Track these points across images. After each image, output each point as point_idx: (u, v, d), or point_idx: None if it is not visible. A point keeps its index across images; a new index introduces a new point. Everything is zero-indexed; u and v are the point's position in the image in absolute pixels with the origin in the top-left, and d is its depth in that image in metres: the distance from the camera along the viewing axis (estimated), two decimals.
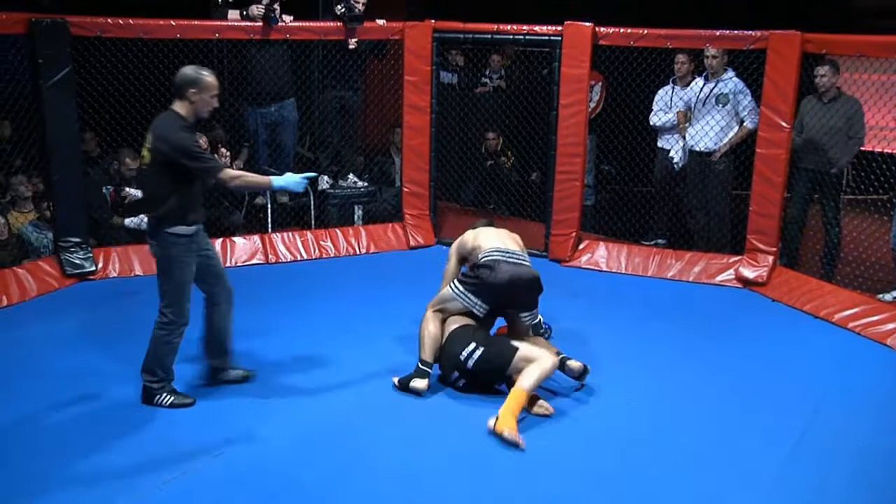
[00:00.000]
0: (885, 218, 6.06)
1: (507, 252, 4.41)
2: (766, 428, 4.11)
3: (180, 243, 4.02)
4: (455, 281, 4.47)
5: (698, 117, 6.50)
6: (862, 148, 6.13)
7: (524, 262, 4.42)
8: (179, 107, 3.97)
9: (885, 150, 5.85)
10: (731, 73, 6.40)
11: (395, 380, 4.39)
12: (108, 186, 6.40)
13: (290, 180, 4.11)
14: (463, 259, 4.69)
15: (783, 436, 4.03)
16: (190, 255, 4.07)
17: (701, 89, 6.50)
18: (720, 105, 6.38)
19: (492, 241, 4.52)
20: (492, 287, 4.31)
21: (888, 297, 5.79)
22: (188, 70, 3.99)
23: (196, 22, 6.39)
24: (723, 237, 6.57)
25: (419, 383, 4.30)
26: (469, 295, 4.38)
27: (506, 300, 4.42)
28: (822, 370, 4.83)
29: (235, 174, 4.15)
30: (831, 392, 4.53)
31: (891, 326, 5.28)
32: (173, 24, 6.18)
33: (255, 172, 6.84)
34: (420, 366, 4.35)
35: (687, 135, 6.60)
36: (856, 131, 6.00)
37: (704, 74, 6.53)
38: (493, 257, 4.36)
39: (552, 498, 3.50)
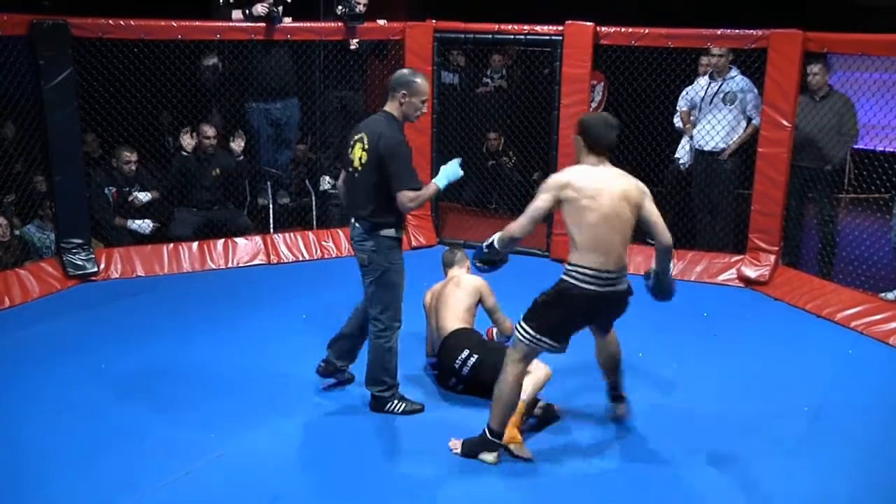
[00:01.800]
0: (887, 216, 6.04)
1: None
2: (769, 428, 4.10)
3: (396, 246, 3.96)
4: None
5: (704, 117, 6.46)
6: (863, 146, 6.12)
7: None
8: (390, 107, 3.94)
9: (887, 149, 5.83)
10: (735, 72, 6.38)
11: (457, 445, 3.79)
12: (111, 187, 6.40)
13: (449, 172, 3.97)
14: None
15: (787, 435, 4.03)
16: (402, 258, 4.01)
17: (706, 88, 6.46)
18: (727, 104, 6.35)
19: None
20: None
21: (890, 295, 5.78)
22: (404, 72, 3.98)
23: (198, 23, 6.40)
24: (726, 236, 6.55)
25: (488, 457, 3.72)
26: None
27: None
28: (825, 370, 4.82)
29: (414, 195, 3.83)
30: (834, 392, 4.53)
31: (893, 325, 5.28)
32: (175, 24, 6.19)
33: (255, 170, 6.96)
34: (488, 436, 3.70)
35: (694, 135, 6.56)
36: (847, 128, 5.99)
37: (709, 73, 6.50)
38: None
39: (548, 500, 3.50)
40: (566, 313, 3.59)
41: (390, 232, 3.93)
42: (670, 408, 4.30)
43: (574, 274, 3.53)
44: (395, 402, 4.13)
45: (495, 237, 3.69)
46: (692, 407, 4.31)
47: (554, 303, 3.58)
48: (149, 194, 6.51)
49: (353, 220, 4.02)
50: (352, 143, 3.98)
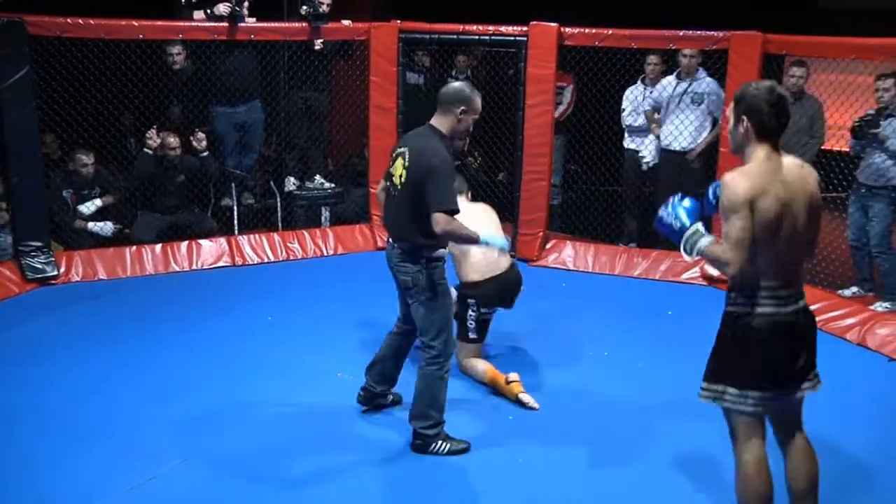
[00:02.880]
0: (844, 215, 6.17)
1: None
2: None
3: (441, 267, 3.68)
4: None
5: (671, 116, 6.54)
6: (824, 147, 6.24)
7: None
8: (440, 122, 3.67)
9: (844, 149, 5.96)
10: (703, 73, 6.47)
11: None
12: (69, 189, 6.29)
13: (495, 239, 3.74)
14: None
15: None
16: (446, 277, 3.73)
17: (674, 88, 6.53)
18: (695, 104, 6.44)
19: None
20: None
21: (847, 292, 5.91)
22: (463, 87, 3.73)
23: (159, 22, 6.32)
24: None
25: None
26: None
27: None
28: None
29: (449, 221, 3.49)
30: None
31: (850, 321, 5.38)
32: (135, 24, 6.10)
33: (221, 173, 6.89)
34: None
35: (661, 134, 6.63)
36: (817, 130, 6.12)
37: (676, 73, 6.57)
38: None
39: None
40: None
41: (435, 254, 3.66)
42: (634, 405, 4.33)
43: None
44: (440, 442, 3.76)
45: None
46: (656, 403, 4.34)
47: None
48: (97, 202, 6.38)
49: (390, 239, 3.77)
50: (393, 156, 3.72)
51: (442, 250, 3.70)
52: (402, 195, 3.63)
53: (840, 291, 5.90)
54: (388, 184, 3.75)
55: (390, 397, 4.17)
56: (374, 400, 4.13)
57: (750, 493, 2.85)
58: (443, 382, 3.73)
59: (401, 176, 3.63)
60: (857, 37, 5.54)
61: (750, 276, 2.80)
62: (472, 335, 4.47)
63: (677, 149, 6.53)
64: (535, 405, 4.20)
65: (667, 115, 6.57)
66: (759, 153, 2.84)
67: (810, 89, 6.28)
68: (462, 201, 3.98)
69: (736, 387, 2.85)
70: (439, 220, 3.46)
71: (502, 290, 4.49)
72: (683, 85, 6.49)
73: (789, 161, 2.88)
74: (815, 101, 6.16)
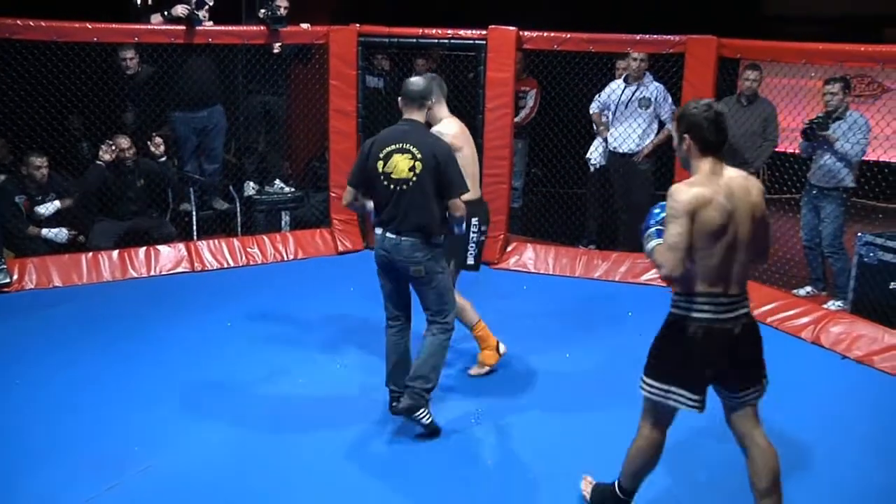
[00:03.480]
0: (798, 216, 6.30)
1: None
2: (693, 425, 4.22)
3: (442, 251, 3.99)
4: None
5: (619, 120, 6.63)
6: (776, 149, 6.38)
7: None
8: (418, 116, 3.94)
9: (796, 151, 6.09)
10: (650, 77, 6.57)
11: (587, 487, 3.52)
12: (21, 195, 6.15)
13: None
14: None
15: (706, 429, 4.15)
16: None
17: (623, 92, 6.63)
18: (643, 108, 6.53)
19: None
20: None
21: (802, 292, 6.03)
22: (422, 81, 3.98)
23: (114, 25, 6.22)
24: (636, 237, 6.68)
25: None
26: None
27: None
28: None
29: (462, 204, 3.86)
30: None
31: (805, 320, 5.50)
32: (89, 26, 6.00)
33: (182, 178, 6.81)
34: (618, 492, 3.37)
35: (609, 136, 6.72)
36: (770, 133, 6.25)
37: (624, 77, 6.66)
38: None
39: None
40: None
41: (439, 239, 3.93)
42: (596, 406, 4.37)
43: None
44: (426, 411, 3.92)
45: None
46: (616, 404, 4.37)
47: None
48: (56, 204, 6.26)
49: (390, 234, 3.87)
50: (382, 155, 3.85)
51: (441, 237, 3.94)
52: (416, 189, 3.80)
53: (795, 291, 6.03)
54: (387, 183, 3.84)
55: (424, 415, 4.03)
56: (408, 401, 4.05)
57: (637, 461, 3.21)
58: (446, 352, 4.04)
59: (411, 170, 3.79)
60: (799, 41, 5.69)
61: (690, 282, 2.95)
62: (470, 261, 4.54)
63: (625, 151, 6.62)
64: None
65: (615, 118, 6.65)
66: (703, 167, 2.97)
67: (763, 93, 6.42)
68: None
69: (666, 384, 3.04)
70: (460, 204, 3.82)
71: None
72: (631, 89, 6.57)
73: (734, 174, 3.00)
74: (768, 104, 6.29)
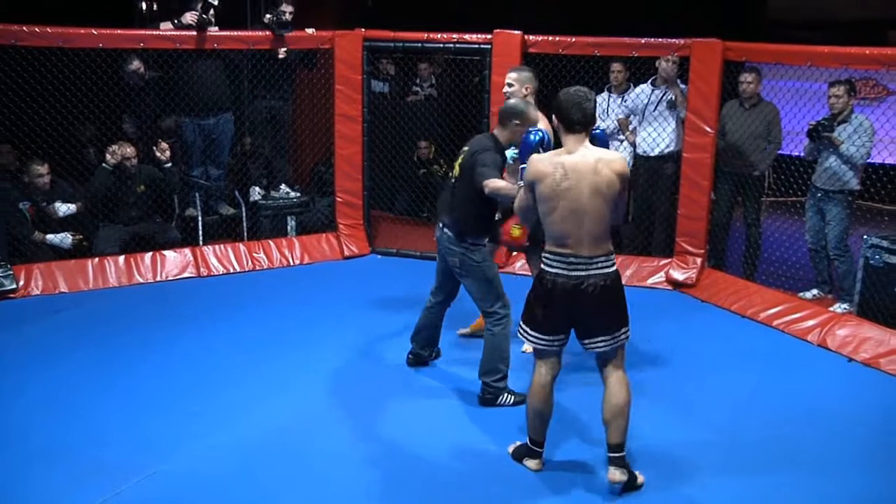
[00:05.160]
0: (804, 219, 6.29)
1: None
2: (700, 424, 4.23)
3: (482, 248, 4.31)
4: None
5: (648, 122, 6.55)
6: (780, 152, 6.37)
7: None
8: (499, 131, 4.26)
9: (801, 154, 6.09)
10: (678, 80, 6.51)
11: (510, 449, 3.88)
12: (26, 202, 6.17)
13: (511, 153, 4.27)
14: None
15: (717, 431, 4.15)
16: (487, 254, 4.36)
17: (650, 96, 6.55)
18: (670, 111, 6.48)
19: None
20: None
21: (808, 294, 6.02)
22: (518, 103, 4.29)
23: (119, 31, 6.24)
24: (662, 241, 6.65)
25: (530, 463, 3.76)
26: None
27: None
28: (751, 368, 4.98)
29: (491, 182, 4.07)
30: (760, 389, 4.69)
31: (811, 323, 5.48)
32: (95, 32, 6.02)
33: (187, 184, 6.83)
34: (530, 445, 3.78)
35: (638, 140, 6.67)
36: (774, 135, 6.23)
37: (651, 81, 6.61)
38: None
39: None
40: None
41: (476, 238, 4.28)
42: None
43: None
44: (506, 395, 4.32)
45: None
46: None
47: None
48: (72, 206, 6.30)
49: (441, 226, 4.37)
50: (458, 157, 4.37)
51: (483, 238, 4.30)
52: (457, 188, 4.30)
53: (801, 294, 6.01)
54: (448, 180, 4.35)
55: (506, 397, 4.42)
56: (421, 360, 4.77)
57: (531, 403, 3.64)
58: (508, 337, 4.28)
59: (460, 166, 4.28)
60: (804, 45, 5.69)
61: (546, 242, 3.49)
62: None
63: (655, 154, 6.56)
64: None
65: (644, 122, 6.60)
66: (567, 144, 3.44)
67: (768, 96, 6.40)
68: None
69: (529, 326, 3.57)
70: (487, 185, 4.06)
71: None
72: (658, 92, 6.53)
73: (589, 152, 3.40)
74: (771, 107, 6.27)
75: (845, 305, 5.70)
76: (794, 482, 3.72)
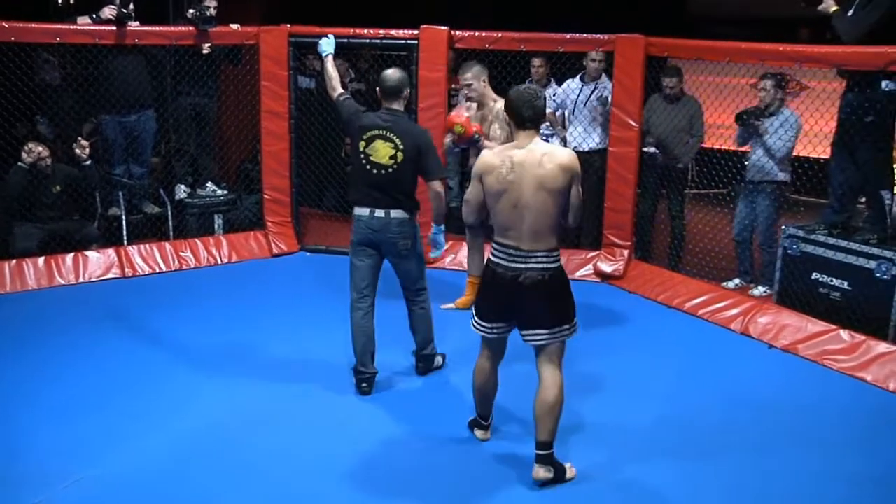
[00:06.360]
0: (726, 210, 6.48)
1: None
2: (628, 411, 4.32)
3: (419, 229, 4.42)
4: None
5: (578, 119, 6.65)
6: (703, 145, 6.54)
7: None
8: (399, 105, 4.32)
9: (724, 147, 6.26)
10: (605, 77, 6.61)
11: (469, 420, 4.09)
12: None
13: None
14: None
15: (646, 417, 4.25)
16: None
17: (580, 91, 6.65)
18: (602, 106, 6.57)
19: None
20: None
21: (731, 284, 6.20)
22: (399, 73, 4.35)
23: (34, 24, 6.02)
24: (591, 234, 6.76)
25: (478, 433, 4.01)
26: None
27: None
28: (677, 356, 5.12)
29: (440, 187, 4.37)
30: (686, 376, 4.83)
31: (734, 312, 5.65)
32: (6, 25, 5.79)
33: (109, 182, 6.63)
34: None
35: (568, 136, 6.74)
36: (697, 129, 6.41)
37: (580, 76, 6.70)
38: None
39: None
40: None
41: (415, 218, 4.39)
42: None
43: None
44: (437, 357, 4.68)
45: None
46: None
47: None
48: None
49: (377, 212, 4.27)
50: (365, 138, 4.27)
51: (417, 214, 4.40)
52: (398, 173, 4.24)
53: (724, 284, 6.19)
54: (365, 162, 4.25)
55: (438, 359, 4.73)
56: (426, 363, 4.69)
57: (474, 382, 3.83)
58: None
59: (393, 157, 4.22)
60: (726, 41, 5.85)
61: (493, 233, 3.57)
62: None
63: (587, 149, 6.61)
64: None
65: (573, 117, 6.68)
66: (518, 139, 3.53)
67: (690, 90, 6.57)
68: None
69: (474, 311, 3.70)
70: (441, 187, 4.32)
71: None
72: (589, 88, 6.62)
73: (537, 147, 3.48)
74: (694, 102, 6.44)
75: (763, 289, 5.93)
76: (718, 466, 3.83)
